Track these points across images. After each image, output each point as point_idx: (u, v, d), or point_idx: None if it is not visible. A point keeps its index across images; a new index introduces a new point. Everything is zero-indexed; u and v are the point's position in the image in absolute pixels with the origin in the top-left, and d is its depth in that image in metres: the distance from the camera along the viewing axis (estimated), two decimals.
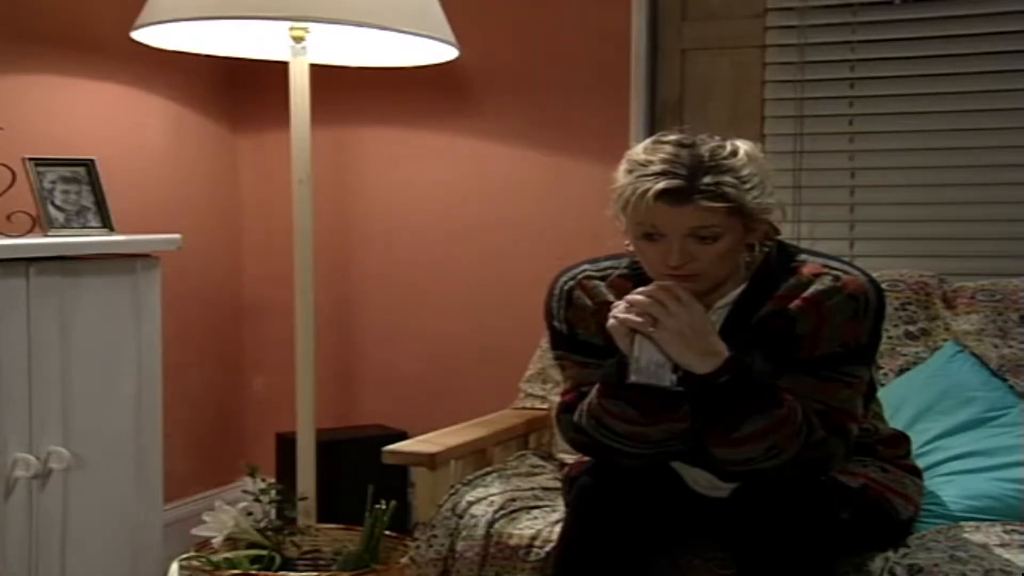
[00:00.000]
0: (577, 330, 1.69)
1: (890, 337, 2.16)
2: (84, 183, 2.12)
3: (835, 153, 2.54)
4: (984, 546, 1.66)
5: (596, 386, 1.62)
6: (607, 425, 1.60)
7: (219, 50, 2.48)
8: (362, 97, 2.80)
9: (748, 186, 1.54)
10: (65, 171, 2.11)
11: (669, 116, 2.62)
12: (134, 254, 2.12)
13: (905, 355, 2.17)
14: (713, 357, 1.53)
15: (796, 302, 1.58)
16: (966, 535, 1.72)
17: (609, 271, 1.69)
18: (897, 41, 2.47)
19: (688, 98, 2.63)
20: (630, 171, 1.55)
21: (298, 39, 2.31)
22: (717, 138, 1.58)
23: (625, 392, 1.56)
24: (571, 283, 1.71)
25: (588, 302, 1.68)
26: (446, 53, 2.44)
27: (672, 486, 1.68)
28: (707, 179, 1.52)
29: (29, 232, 2.03)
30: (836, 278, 1.59)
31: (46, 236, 2.03)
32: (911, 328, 2.21)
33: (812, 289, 1.58)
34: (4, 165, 2.00)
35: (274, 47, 2.46)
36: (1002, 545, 1.68)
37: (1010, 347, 2.12)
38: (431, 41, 2.34)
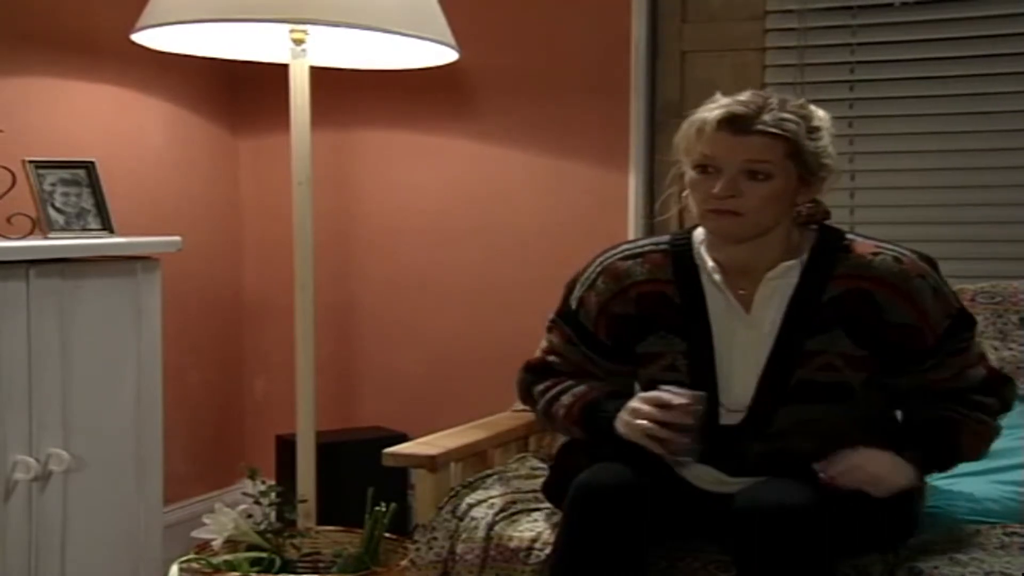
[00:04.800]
0: (583, 310, 1.72)
1: None
2: (84, 185, 2.12)
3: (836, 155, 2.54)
4: (983, 548, 1.66)
5: (574, 407, 1.69)
6: (567, 434, 1.75)
7: (219, 52, 2.48)
8: (362, 99, 2.81)
9: (811, 133, 1.57)
10: (65, 173, 2.11)
11: (669, 119, 2.62)
12: (134, 256, 2.12)
13: None
14: (906, 472, 1.60)
15: (871, 284, 1.59)
16: (966, 538, 1.72)
17: (648, 248, 1.71)
18: (896, 44, 2.47)
19: (688, 101, 2.62)
20: (695, 112, 1.60)
21: (298, 41, 2.31)
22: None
23: (605, 442, 1.63)
24: (604, 265, 1.72)
25: (609, 289, 1.69)
26: (446, 55, 2.44)
27: (673, 483, 1.68)
28: (769, 115, 1.55)
29: (29, 234, 2.03)
30: (897, 259, 1.61)
31: (46, 238, 2.03)
32: None
33: (883, 271, 1.60)
34: (4, 168, 2.00)
35: (274, 50, 2.46)
36: (1002, 547, 1.68)
37: (1010, 349, 2.12)
38: (431, 43, 2.34)
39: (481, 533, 1.78)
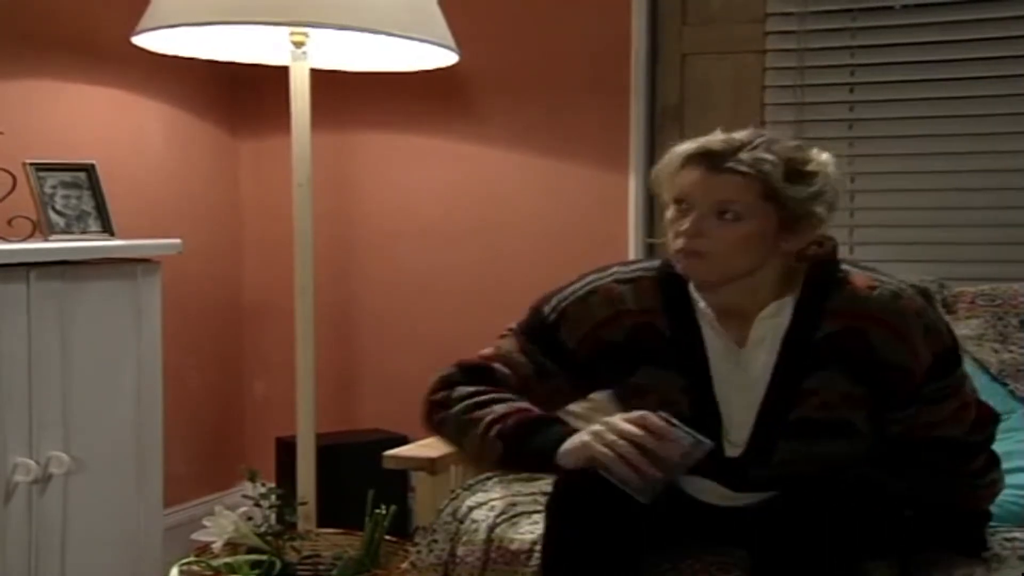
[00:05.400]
0: (567, 325, 1.60)
1: None
2: (85, 188, 2.12)
3: (834, 157, 2.54)
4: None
5: (509, 418, 1.53)
6: (470, 448, 1.58)
7: (220, 55, 2.48)
8: (363, 101, 2.81)
9: (797, 177, 1.47)
10: (66, 176, 2.11)
11: (669, 121, 2.62)
12: (135, 259, 2.12)
13: None
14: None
15: (865, 322, 1.52)
16: None
17: (639, 273, 1.61)
18: (897, 46, 2.47)
19: (688, 103, 2.63)
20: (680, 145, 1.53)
21: (298, 44, 2.32)
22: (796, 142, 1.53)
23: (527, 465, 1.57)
24: (595, 285, 1.61)
25: (602, 311, 1.59)
26: (446, 58, 2.44)
27: (672, 494, 1.62)
28: (748, 154, 1.46)
29: (30, 237, 2.03)
30: (895, 296, 1.53)
31: (47, 241, 2.03)
32: None
33: (879, 308, 1.52)
34: (5, 170, 2.00)
35: (275, 52, 2.46)
36: (1002, 552, 1.67)
37: (1010, 352, 2.12)
38: (431, 46, 2.34)
39: (482, 535, 1.78)
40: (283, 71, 2.37)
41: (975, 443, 1.63)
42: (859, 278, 1.55)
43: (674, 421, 1.44)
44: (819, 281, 1.55)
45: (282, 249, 2.59)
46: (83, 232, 2.10)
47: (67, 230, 2.07)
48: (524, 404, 1.56)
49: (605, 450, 1.42)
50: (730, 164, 1.46)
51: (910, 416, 1.56)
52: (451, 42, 2.36)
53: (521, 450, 1.52)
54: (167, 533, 2.26)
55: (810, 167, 1.50)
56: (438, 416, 1.60)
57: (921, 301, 1.56)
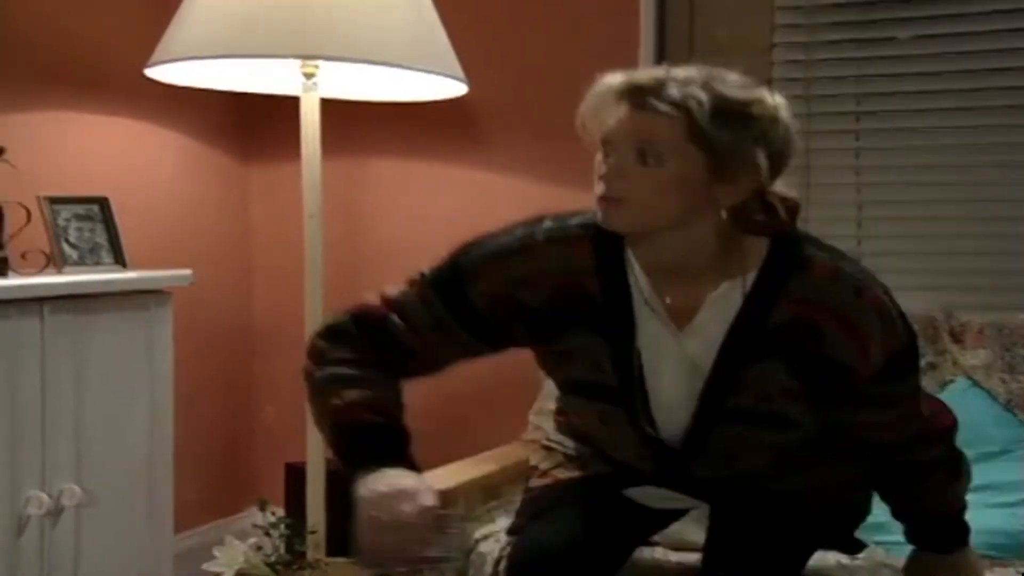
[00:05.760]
0: (483, 279, 1.46)
1: None
2: (98, 220, 2.15)
3: (841, 186, 2.55)
4: None
5: (352, 411, 1.45)
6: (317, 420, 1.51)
7: (231, 85, 2.51)
8: (372, 130, 2.83)
9: (732, 119, 1.31)
10: (79, 208, 2.13)
11: None
12: (147, 290, 2.14)
13: None
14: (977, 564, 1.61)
15: (820, 314, 1.39)
16: None
17: (575, 230, 1.45)
18: (903, 76, 2.48)
19: None
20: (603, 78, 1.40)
21: (309, 75, 2.34)
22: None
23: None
24: (524, 242, 1.46)
25: (521, 272, 1.45)
26: (456, 88, 2.46)
27: (618, 509, 1.56)
28: (675, 90, 1.31)
29: (43, 269, 2.05)
30: (857, 291, 1.40)
31: (60, 273, 2.05)
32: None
33: (838, 302, 1.39)
34: (19, 204, 2.02)
35: (285, 83, 2.49)
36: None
37: (1019, 382, 2.13)
38: (441, 77, 2.36)
39: (488, 569, 1.79)
40: (293, 100, 2.40)
41: (919, 458, 1.55)
42: (823, 265, 1.40)
43: (450, 525, 1.37)
44: (780, 262, 1.40)
45: (293, 275, 2.61)
46: (96, 264, 2.12)
47: (80, 262, 2.10)
48: (376, 398, 1.45)
49: (368, 531, 1.36)
50: (653, 100, 1.31)
51: (848, 415, 1.48)
52: (460, 73, 2.38)
53: (339, 453, 1.49)
54: (177, 559, 2.27)
55: (751, 109, 1.33)
56: (307, 369, 1.52)
57: (883, 297, 1.44)
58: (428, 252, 2.83)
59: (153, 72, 2.32)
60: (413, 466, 1.43)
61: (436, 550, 1.32)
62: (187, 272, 2.21)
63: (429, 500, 1.35)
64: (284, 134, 2.66)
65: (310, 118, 2.36)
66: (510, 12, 2.72)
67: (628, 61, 2.66)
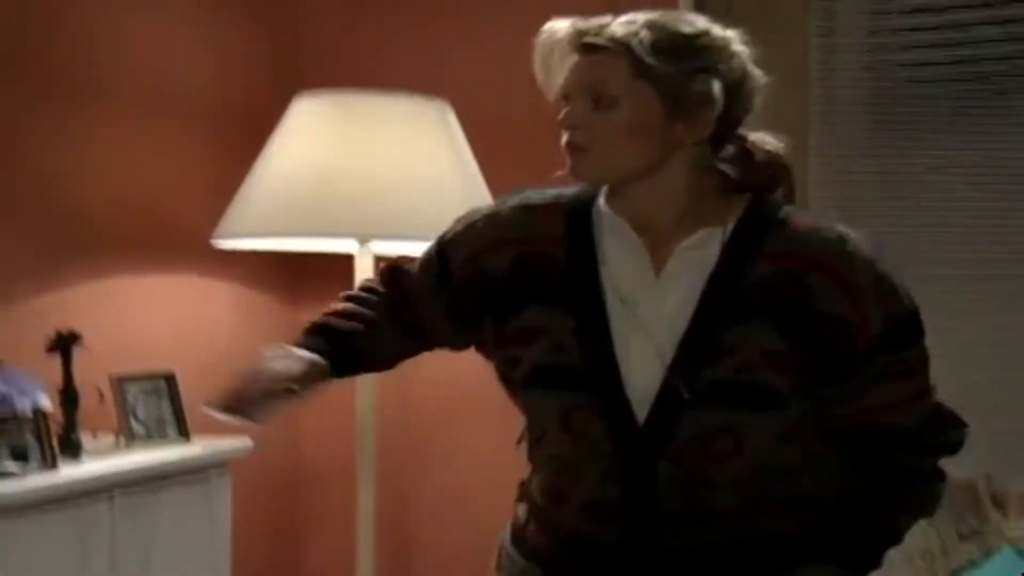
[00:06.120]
0: (450, 252, 1.42)
1: (940, 534, 2.17)
2: (164, 395, 2.24)
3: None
4: None
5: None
6: None
7: (288, 247, 2.63)
8: None
9: (676, 51, 1.26)
10: (147, 384, 2.23)
11: None
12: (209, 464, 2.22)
13: (958, 556, 2.18)
14: None
15: (804, 264, 1.28)
16: None
17: (550, 200, 1.39)
18: (938, 241, 2.51)
19: None
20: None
21: (364, 241, 2.45)
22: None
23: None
24: (496, 208, 1.41)
25: (484, 238, 1.39)
26: None
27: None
28: (616, 27, 1.28)
29: (113, 449, 2.13)
30: (842, 238, 1.29)
31: (129, 450, 2.14)
32: (962, 528, 2.22)
33: (820, 249, 1.28)
34: (93, 385, 2.12)
35: (341, 244, 2.59)
36: None
37: None
38: None
39: None
40: (348, 255, 2.50)
41: (933, 443, 1.39)
42: (801, 219, 1.32)
43: (284, 400, 1.37)
44: (756, 218, 1.31)
45: (343, 424, 2.68)
46: (162, 438, 2.21)
47: (147, 438, 2.19)
48: (351, 311, 1.47)
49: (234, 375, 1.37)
50: (593, 40, 1.28)
51: (853, 394, 1.30)
52: None
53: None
54: None
55: (697, 41, 1.28)
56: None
57: (875, 249, 1.31)
58: (475, 401, 2.92)
59: (219, 243, 2.45)
60: (335, 366, 1.44)
61: (256, 411, 1.35)
62: (248, 443, 2.30)
63: (293, 370, 1.36)
64: (339, 288, 2.75)
65: (364, 274, 2.46)
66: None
67: None
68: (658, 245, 1.31)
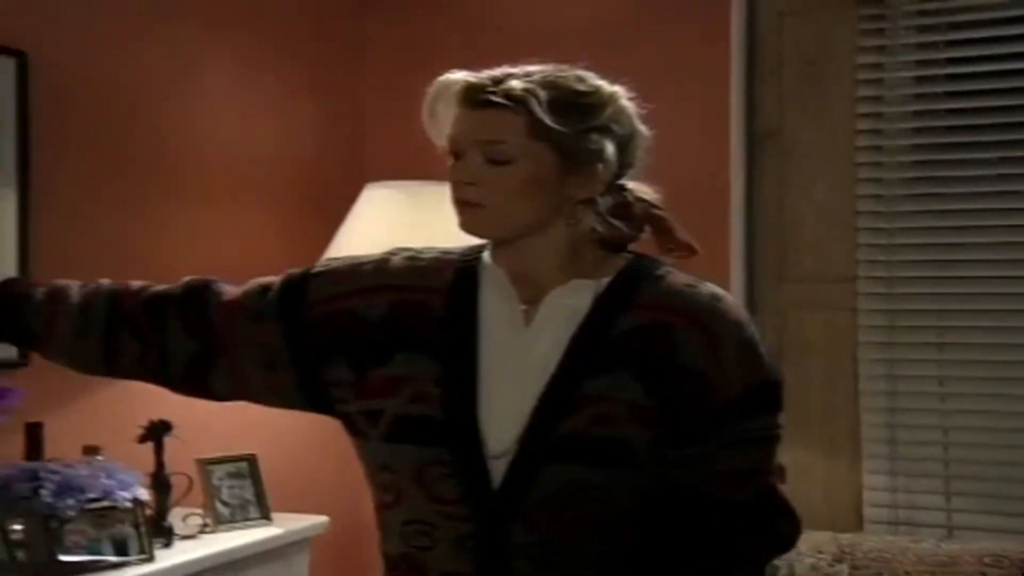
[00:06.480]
0: (315, 283, 1.36)
1: None
2: (247, 477, 2.36)
3: (926, 412, 2.67)
4: None
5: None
6: None
7: None
8: None
9: (568, 109, 1.26)
10: (231, 467, 2.35)
11: None
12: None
13: None
14: None
15: (673, 317, 1.27)
16: None
17: (435, 255, 1.38)
18: (982, 312, 2.62)
19: (785, 357, 2.73)
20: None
21: None
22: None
23: None
24: (388, 255, 1.38)
25: (364, 281, 1.35)
26: None
27: None
28: (513, 82, 1.26)
29: (200, 532, 2.25)
30: (715, 296, 1.29)
31: (214, 532, 2.25)
32: None
33: (691, 304, 1.28)
34: (183, 473, 2.24)
35: None
36: None
37: None
38: None
39: None
40: None
41: (761, 530, 1.32)
42: (680, 277, 1.32)
43: None
44: (635, 274, 1.32)
45: None
46: (245, 520, 2.32)
47: (232, 519, 2.31)
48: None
49: None
50: (485, 96, 1.26)
51: (698, 459, 1.26)
52: None
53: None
54: None
55: (589, 99, 1.28)
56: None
57: (746, 315, 1.31)
58: None
59: None
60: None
61: None
62: (324, 519, 2.41)
63: None
64: None
65: None
66: None
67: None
68: (534, 296, 1.31)
